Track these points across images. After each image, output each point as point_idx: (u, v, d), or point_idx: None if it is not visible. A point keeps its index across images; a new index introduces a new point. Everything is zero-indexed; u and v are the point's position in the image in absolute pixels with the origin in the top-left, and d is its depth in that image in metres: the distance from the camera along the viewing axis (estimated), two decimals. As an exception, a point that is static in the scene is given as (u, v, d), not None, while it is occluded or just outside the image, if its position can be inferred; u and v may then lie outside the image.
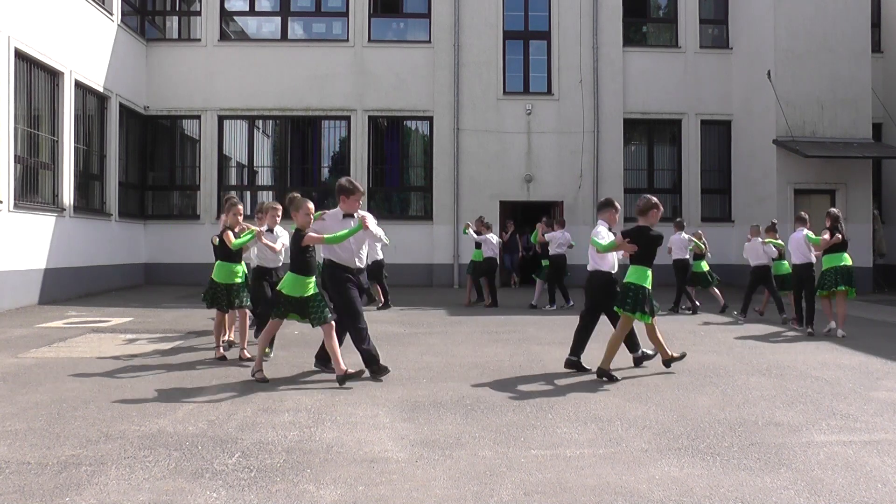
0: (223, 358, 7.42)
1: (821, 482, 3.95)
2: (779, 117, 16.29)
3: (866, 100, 16.56)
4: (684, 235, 12.65)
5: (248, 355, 7.35)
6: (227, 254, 7.48)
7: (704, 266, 12.72)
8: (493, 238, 13.24)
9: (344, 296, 6.58)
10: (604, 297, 7.07)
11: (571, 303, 13.03)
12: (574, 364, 7.09)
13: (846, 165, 16.39)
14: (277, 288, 6.50)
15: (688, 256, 12.62)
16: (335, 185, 6.87)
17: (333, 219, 6.64)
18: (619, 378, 6.66)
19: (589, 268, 7.19)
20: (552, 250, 13.03)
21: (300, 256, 6.35)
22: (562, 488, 3.84)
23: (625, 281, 6.79)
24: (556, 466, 4.19)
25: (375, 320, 10.93)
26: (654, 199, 6.89)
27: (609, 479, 3.99)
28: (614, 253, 6.98)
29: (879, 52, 18.71)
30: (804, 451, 4.51)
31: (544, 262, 13.33)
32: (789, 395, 6.04)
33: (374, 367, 6.56)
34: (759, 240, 11.28)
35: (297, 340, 8.84)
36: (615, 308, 6.87)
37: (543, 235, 13.03)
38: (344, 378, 6.24)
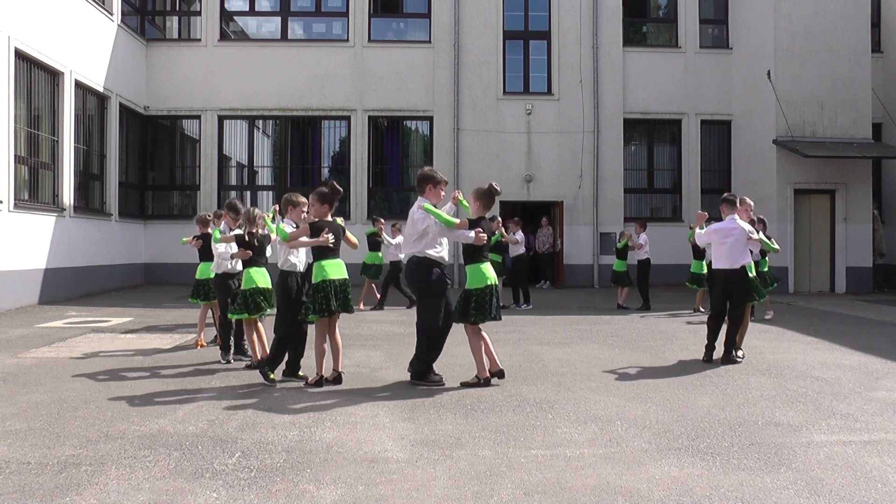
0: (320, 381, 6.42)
1: (821, 482, 3.95)
2: (779, 117, 16.29)
3: (866, 100, 16.56)
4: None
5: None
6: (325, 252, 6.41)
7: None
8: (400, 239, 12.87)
9: (431, 292, 6.35)
10: (745, 289, 7.75)
11: (531, 305, 13.20)
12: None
13: (846, 165, 16.39)
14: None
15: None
16: (417, 175, 6.60)
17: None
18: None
19: (727, 266, 7.59)
20: (517, 251, 13.25)
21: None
22: (562, 488, 3.84)
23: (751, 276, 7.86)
24: (556, 466, 4.19)
25: (376, 320, 10.94)
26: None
27: (609, 479, 3.99)
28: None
29: (879, 52, 18.71)
30: (804, 451, 4.51)
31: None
32: (789, 395, 6.04)
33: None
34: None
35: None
36: (753, 300, 8.05)
37: (513, 235, 13.15)
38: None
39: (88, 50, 14.85)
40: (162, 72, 18.08)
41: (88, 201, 15.23)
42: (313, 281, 6.20)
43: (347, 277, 6.30)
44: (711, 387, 6.38)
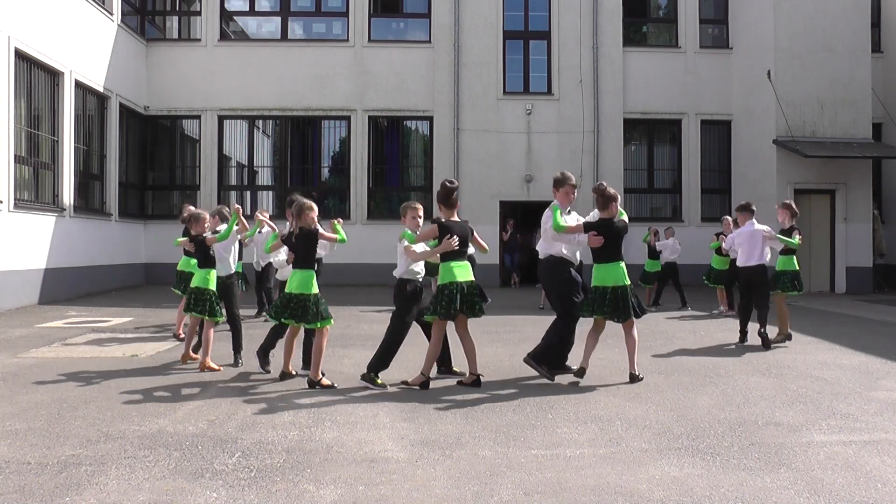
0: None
1: (821, 482, 3.95)
2: (779, 117, 16.28)
3: (866, 100, 16.55)
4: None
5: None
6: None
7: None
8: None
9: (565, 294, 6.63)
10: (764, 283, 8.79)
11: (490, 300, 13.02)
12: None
13: (846, 165, 16.39)
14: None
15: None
16: (554, 178, 6.78)
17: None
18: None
19: (745, 263, 8.68)
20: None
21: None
22: (562, 488, 3.84)
23: (779, 269, 8.84)
24: (556, 466, 4.19)
25: (376, 320, 10.93)
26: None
27: (609, 479, 3.99)
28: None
29: (879, 52, 18.70)
30: (804, 451, 4.51)
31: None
32: (789, 395, 6.04)
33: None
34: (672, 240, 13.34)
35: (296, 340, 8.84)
36: (781, 290, 8.86)
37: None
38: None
39: (88, 50, 14.85)
40: (162, 72, 18.08)
41: (88, 201, 15.22)
42: (440, 282, 6.18)
43: (474, 279, 6.27)
44: (711, 387, 6.38)
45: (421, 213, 6.51)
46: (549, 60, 18.54)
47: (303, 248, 6.26)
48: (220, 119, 18.27)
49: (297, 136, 18.94)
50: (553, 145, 18.36)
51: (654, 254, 13.42)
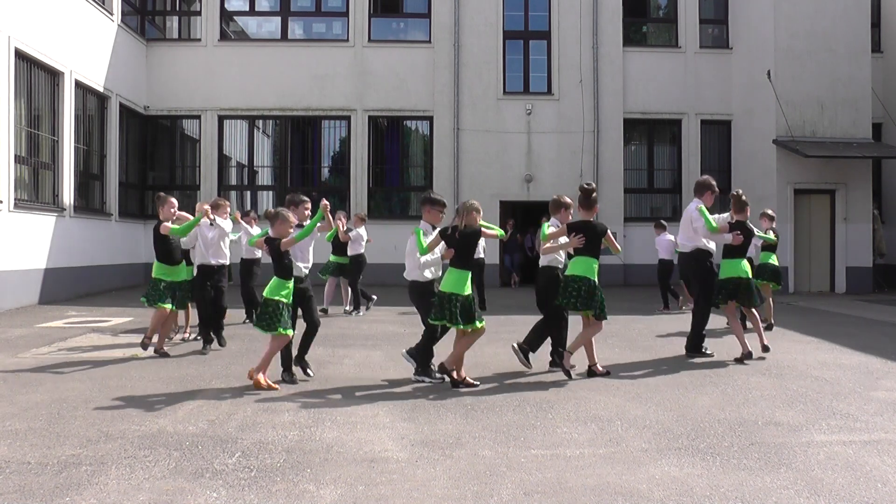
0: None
1: (821, 482, 3.95)
2: (779, 117, 16.28)
3: (866, 100, 16.55)
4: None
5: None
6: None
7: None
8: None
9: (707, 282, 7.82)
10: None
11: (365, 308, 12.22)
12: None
13: (846, 165, 16.39)
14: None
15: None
16: (696, 182, 8.08)
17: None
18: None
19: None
20: (354, 250, 11.78)
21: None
22: (562, 488, 3.84)
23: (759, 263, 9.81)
24: (556, 466, 4.19)
25: (376, 320, 10.93)
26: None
27: (609, 479, 3.99)
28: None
29: (879, 52, 18.70)
30: (804, 451, 4.51)
31: (334, 259, 11.90)
32: (789, 395, 6.04)
33: None
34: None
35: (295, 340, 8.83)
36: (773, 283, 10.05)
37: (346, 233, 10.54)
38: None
39: (88, 50, 14.84)
40: (162, 72, 18.07)
41: (88, 201, 15.22)
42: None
43: (585, 277, 6.70)
44: (711, 387, 6.38)
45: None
46: (549, 60, 18.54)
47: (461, 247, 6.16)
48: (220, 119, 18.26)
49: (297, 136, 18.95)
50: (553, 145, 18.36)
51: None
